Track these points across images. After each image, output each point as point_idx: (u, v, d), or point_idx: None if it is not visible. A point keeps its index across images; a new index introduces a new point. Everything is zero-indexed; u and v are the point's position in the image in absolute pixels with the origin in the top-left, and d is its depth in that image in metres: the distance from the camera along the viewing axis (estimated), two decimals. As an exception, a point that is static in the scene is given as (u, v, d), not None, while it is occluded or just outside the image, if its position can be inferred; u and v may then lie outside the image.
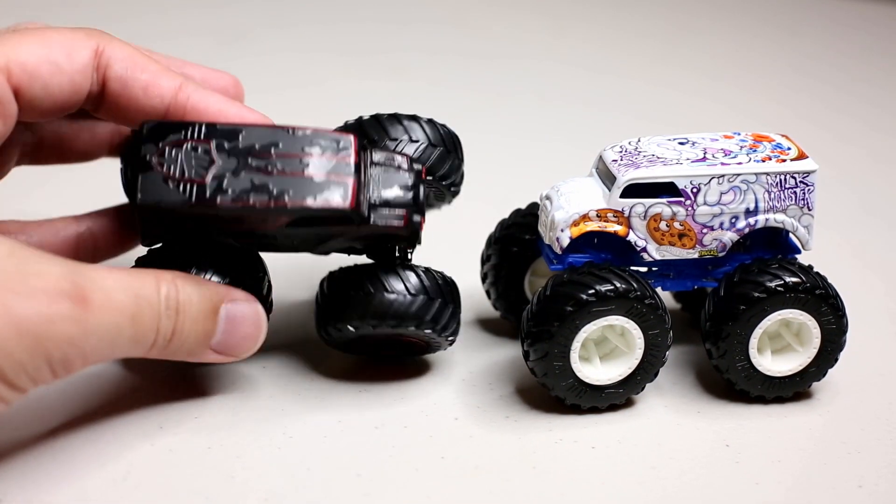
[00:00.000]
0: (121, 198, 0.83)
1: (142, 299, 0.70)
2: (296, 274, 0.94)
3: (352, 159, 0.75)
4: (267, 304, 0.81)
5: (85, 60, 0.75)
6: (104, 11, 1.65)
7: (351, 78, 1.48)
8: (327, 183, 0.74)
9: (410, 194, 0.78)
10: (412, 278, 0.80)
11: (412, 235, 0.79)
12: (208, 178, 0.74)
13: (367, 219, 0.76)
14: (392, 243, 0.81)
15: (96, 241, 0.85)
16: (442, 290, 0.81)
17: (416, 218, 0.78)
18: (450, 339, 0.82)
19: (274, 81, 1.43)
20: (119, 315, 0.69)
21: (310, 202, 0.74)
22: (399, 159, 0.78)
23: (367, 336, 0.81)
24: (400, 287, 0.79)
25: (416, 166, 0.79)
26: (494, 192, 0.93)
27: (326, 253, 0.82)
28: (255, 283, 0.80)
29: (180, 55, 0.89)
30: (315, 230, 0.77)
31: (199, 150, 0.74)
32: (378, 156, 0.78)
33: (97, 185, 0.93)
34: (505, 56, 1.62)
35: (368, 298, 0.79)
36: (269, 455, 0.76)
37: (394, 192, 0.77)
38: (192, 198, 0.73)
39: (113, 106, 0.77)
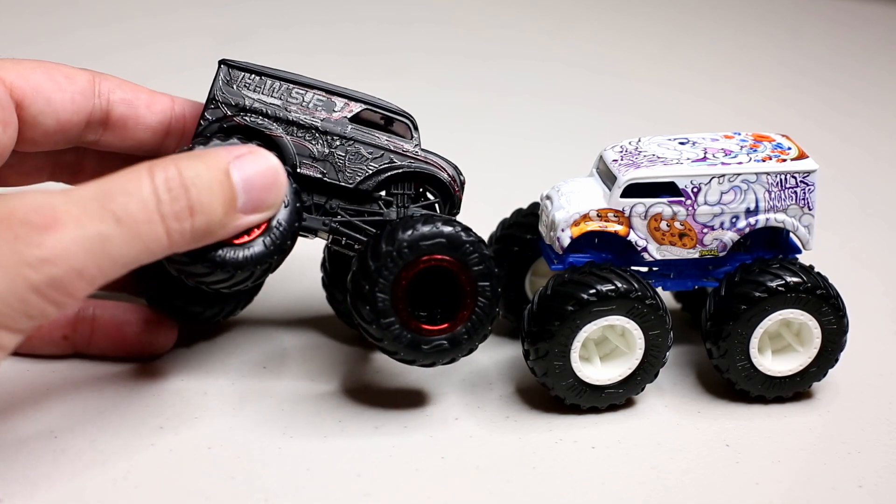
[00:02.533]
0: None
1: (127, 196, 0.66)
2: (296, 275, 0.94)
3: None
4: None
5: (83, 84, 0.79)
6: (105, 12, 1.66)
7: (351, 78, 1.48)
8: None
9: (455, 166, 0.83)
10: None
11: (452, 188, 0.81)
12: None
13: (420, 142, 0.81)
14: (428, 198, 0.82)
15: (94, 326, 0.84)
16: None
17: (461, 177, 0.82)
18: (483, 260, 0.78)
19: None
20: (97, 222, 0.65)
21: (384, 102, 0.81)
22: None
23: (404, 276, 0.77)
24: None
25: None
26: (494, 193, 0.93)
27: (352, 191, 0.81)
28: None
29: (180, 55, 0.89)
30: (371, 135, 0.80)
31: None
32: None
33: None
34: (505, 56, 1.62)
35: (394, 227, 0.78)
36: (269, 455, 0.76)
37: (442, 158, 0.82)
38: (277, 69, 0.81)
39: (120, 126, 0.81)
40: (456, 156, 0.84)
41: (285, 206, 0.76)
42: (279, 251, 0.76)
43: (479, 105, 1.44)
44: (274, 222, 0.76)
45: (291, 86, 0.81)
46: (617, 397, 0.81)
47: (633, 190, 0.81)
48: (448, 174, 0.82)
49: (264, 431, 0.78)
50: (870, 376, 0.87)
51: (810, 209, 0.83)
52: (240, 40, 1.60)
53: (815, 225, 0.83)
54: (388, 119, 0.82)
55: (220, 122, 0.80)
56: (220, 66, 0.80)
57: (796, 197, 0.82)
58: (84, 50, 1.46)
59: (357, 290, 0.76)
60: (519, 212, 0.89)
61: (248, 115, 0.80)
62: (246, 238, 0.75)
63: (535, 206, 0.88)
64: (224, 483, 0.73)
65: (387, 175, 0.80)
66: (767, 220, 0.82)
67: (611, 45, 1.69)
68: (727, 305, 0.81)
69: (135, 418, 0.79)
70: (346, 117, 0.81)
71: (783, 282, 0.80)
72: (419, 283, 0.77)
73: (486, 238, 0.91)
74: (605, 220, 0.81)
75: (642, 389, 0.82)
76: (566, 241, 0.81)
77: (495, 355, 0.88)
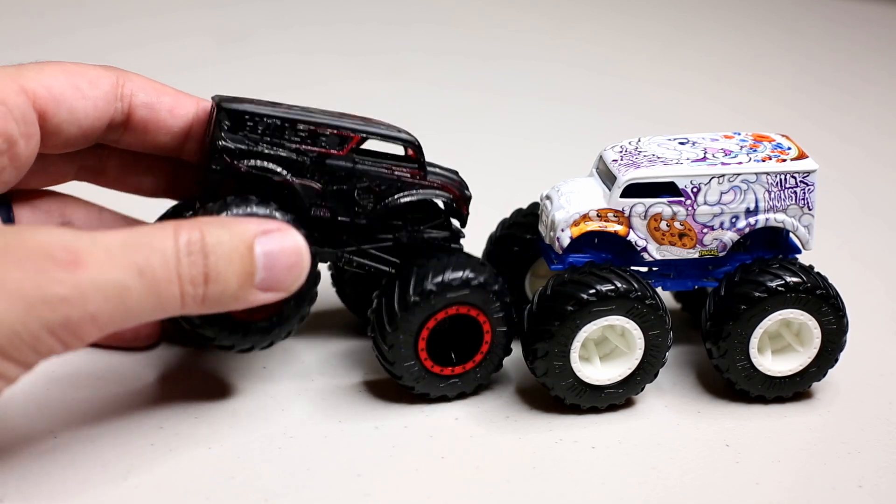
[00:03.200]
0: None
1: (151, 249, 0.66)
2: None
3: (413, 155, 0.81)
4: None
5: (107, 88, 0.79)
6: (105, 13, 1.66)
7: (351, 78, 1.48)
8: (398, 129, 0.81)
9: (460, 179, 0.83)
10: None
11: (460, 206, 0.82)
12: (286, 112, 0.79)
13: (425, 168, 0.80)
14: (437, 220, 0.82)
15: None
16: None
17: (467, 192, 0.82)
18: (506, 312, 0.81)
19: (274, 81, 1.43)
20: (120, 270, 0.65)
21: (382, 130, 0.80)
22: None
23: (434, 320, 0.79)
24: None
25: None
26: (494, 193, 0.92)
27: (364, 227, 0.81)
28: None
29: (181, 55, 0.89)
30: (378, 165, 0.79)
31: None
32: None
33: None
34: (505, 56, 1.62)
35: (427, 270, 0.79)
36: (269, 455, 0.76)
37: (447, 173, 0.83)
38: (274, 104, 0.78)
39: (140, 130, 0.81)
40: (456, 156, 0.84)
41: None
42: (307, 301, 0.78)
43: (479, 105, 1.44)
44: (288, 306, 0.76)
45: (294, 125, 0.78)
46: (617, 397, 0.81)
47: (633, 190, 0.81)
48: (455, 194, 0.82)
49: (264, 431, 0.78)
50: (870, 376, 0.87)
51: (810, 209, 0.83)
52: (240, 40, 1.60)
53: (815, 225, 0.84)
54: (394, 144, 0.81)
55: (225, 172, 0.78)
56: (218, 110, 0.78)
57: (796, 197, 0.82)
58: (84, 50, 1.46)
59: (381, 329, 0.79)
60: (519, 212, 0.89)
61: (254, 160, 0.78)
62: (259, 315, 0.76)
63: (534, 207, 0.88)
64: (224, 483, 0.73)
65: (395, 205, 0.80)
66: (767, 220, 0.82)
67: (611, 45, 1.69)
68: (727, 305, 0.81)
69: (135, 418, 0.79)
70: (351, 151, 0.79)
71: (783, 282, 0.80)
72: (443, 322, 0.80)
73: (486, 238, 0.91)
74: (605, 220, 0.81)
75: (642, 389, 0.82)
76: (566, 241, 0.81)
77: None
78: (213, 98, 0.80)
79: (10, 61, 0.79)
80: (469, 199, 0.83)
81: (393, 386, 0.83)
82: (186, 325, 0.76)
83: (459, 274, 0.78)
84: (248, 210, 0.75)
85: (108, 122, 0.79)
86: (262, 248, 0.71)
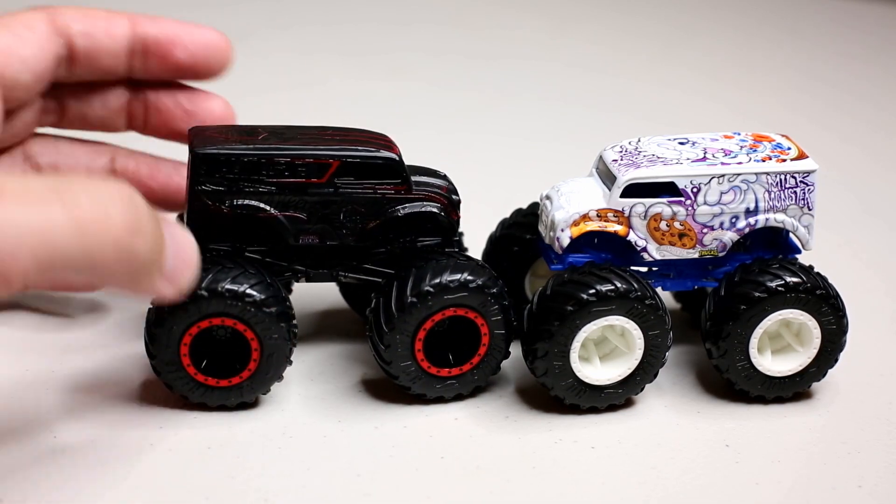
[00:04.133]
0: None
1: (78, 187, 0.61)
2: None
3: (395, 150, 0.81)
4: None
5: (43, 27, 0.80)
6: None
7: (351, 78, 1.48)
8: (373, 145, 0.80)
9: (446, 181, 0.83)
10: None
11: (449, 215, 0.82)
12: (260, 138, 0.79)
13: (409, 182, 0.80)
14: (428, 231, 0.82)
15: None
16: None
17: (455, 198, 0.82)
18: (506, 318, 0.81)
19: (274, 81, 1.44)
20: (42, 204, 0.59)
21: (360, 152, 0.79)
22: (436, 172, 0.84)
23: (429, 320, 0.79)
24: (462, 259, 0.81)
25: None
26: (494, 193, 0.93)
27: (354, 248, 0.82)
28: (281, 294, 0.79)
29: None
30: (360, 187, 0.79)
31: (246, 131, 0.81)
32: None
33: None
34: (505, 56, 1.62)
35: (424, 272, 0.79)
36: (269, 455, 0.76)
37: (432, 176, 0.83)
38: (251, 131, 0.79)
39: (85, 59, 0.82)
40: (456, 156, 0.84)
41: (273, 340, 0.77)
42: (283, 363, 0.79)
43: (479, 105, 1.44)
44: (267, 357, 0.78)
45: (270, 161, 0.78)
46: (616, 397, 0.81)
47: (633, 190, 0.81)
48: (442, 203, 0.82)
49: (264, 431, 0.78)
50: (870, 376, 0.87)
51: (810, 209, 0.83)
52: (240, 40, 1.60)
53: (815, 225, 0.84)
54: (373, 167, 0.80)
55: (205, 214, 0.78)
56: (193, 157, 0.77)
57: (796, 197, 0.82)
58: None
59: (378, 329, 0.79)
60: (519, 212, 0.89)
61: (234, 199, 0.78)
62: (234, 380, 0.78)
63: (534, 206, 0.88)
64: (224, 483, 0.73)
65: (384, 224, 0.81)
66: (767, 220, 0.82)
67: (611, 45, 1.69)
68: (727, 305, 0.81)
69: (135, 418, 0.79)
70: (331, 176, 0.79)
71: (783, 282, 0.80)
72: (441, 324, 0.80)
73: (485, 238, 0.91)
74: (605, 220, 0.81)
75: (642, 390, 0.82)
76: (566, 241, 0.81)
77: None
78: (189, 134, 0.80)
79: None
80: (457, 203, 0.83)
81: (393, 386, 0.83)
82: None
83: (458, 276, 0.78)
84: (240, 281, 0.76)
85: (55, 59, 0.80)
86: (169, 232, 0.67)
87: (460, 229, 0.85)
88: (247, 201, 0.78)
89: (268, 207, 0.78)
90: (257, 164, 0.78)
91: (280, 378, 0.79)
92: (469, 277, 0.78)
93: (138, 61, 0.84)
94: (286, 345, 0.78)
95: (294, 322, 0.79)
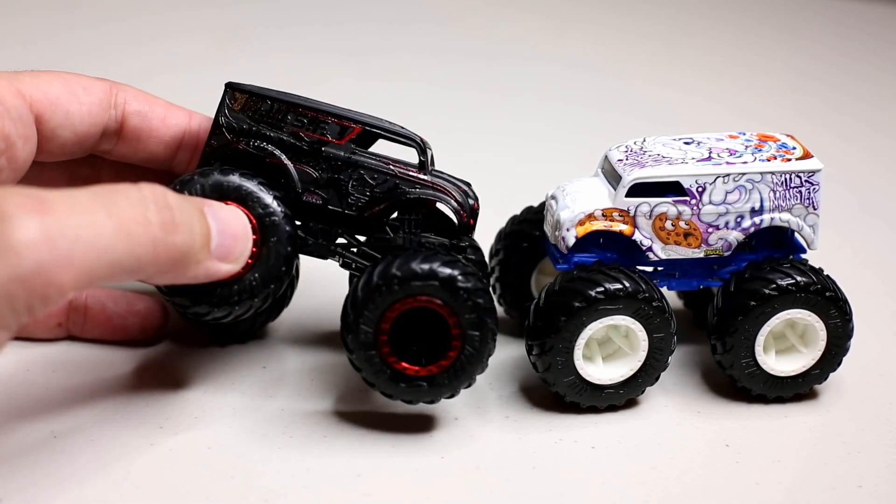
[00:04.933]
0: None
1: (116, 193, 0.64)
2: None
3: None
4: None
5: (101, 94, 0.80)
6: (105, 12, 1.65)
7: (351, 78, 1.48)
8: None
9: (470, 190, 0.83)
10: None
11: (459, 219, 0.81)
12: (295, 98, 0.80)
13: (426, 167, 0.80)
14: (436, 226, 0.81)
15: (87, 315, 0.86)
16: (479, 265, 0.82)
17: (472, 202, 0.82)
18: (486, 314, 0.76)
19: (274, 81, 1.43)
20: (88, 212, 0.62)
21: (386, 124, 0.80)
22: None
23: (396, 315, 0.76)
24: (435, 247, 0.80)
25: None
26: (495, 193, 0.92)
27: (357, 220, 0.81)
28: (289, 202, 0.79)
29: (180, 55, 0.89)
30: (373, 159, 0.80)
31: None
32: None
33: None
34: (506, 56, 1.62)
35: (407, 257, 0.76)
36: (269, 455, 0.76)
37: (456, 182, 0.83)
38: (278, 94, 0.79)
39: (133, 139, 0.82)
40: (456, 156, 0.84)
41: (276, 240, 0.77)
42: (274, 280, 0.77)
43: (479, 105, 1.44)
44: (269, 243, 0.77)
45: (296, 109, 0.79)
46: (616, 398, 0.81)
47: (638, 189, 0.81)
48: (457, 201, 0.81)
49: (264, 431, 0.78)
50: (870, 376, 0.87)
51: (815, 209, 0.83)
52: (240, 40, 1.60)
53: (820, 224, 0.84)
54: (396, 143, 0.81)
55: (224, 149, 0.80)
56: (225, 90, 0.80)
57: (801, 196, 0.82)
58: (84, 49, 1.47)
59: (345, 316, 0.76)
60: (530, 209, 0.89)
61: (252, 140, 0.79)
62: (242, 271, 0.76)
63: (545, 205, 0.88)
64: (224, 483, 0.73)
65: (391, 202, 0.80)
66: (772, 219, 0.82)
67: (611, 45, 1.69)
68: (736, 301, 0.80)
69: (135, 418, 0.79)
70: (351, 141, 0.80)
71: (794, 281, 0.80)
72: (413, 318, 0.76)
73: (491, 236, 0.91)
74: (610, 220, 0.81)
75: (642, 392, 0.82)
76: (571, 241, 0.81)
77: (496, 355, 0.88)
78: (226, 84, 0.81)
79: (9, 61, 0.80)
80: (473, 210, 0.82)
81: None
82: (181, 310, 0.78)
83: (427, 265, 0.74)
84: (233, 177, 0.77)
85: (102, 129, 0.80)
86: (212, 216, 0.72)
87: (475, 241, 0.84)
88: (263, 144, 0.79)
89: (281, 154, 0.79)
90: (282, 111, 0.79)
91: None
92: (440, 268, 0.74)
93: (184, 156, 0.83)
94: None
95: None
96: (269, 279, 0.77)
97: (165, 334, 0.88)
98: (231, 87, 0.80)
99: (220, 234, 0.72)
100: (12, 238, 0.59)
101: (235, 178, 0.77)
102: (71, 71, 0.81)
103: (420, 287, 0.74)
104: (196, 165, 0.82)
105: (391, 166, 0.80)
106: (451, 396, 0.78)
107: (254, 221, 0.77)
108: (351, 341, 0.76)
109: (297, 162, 0.79)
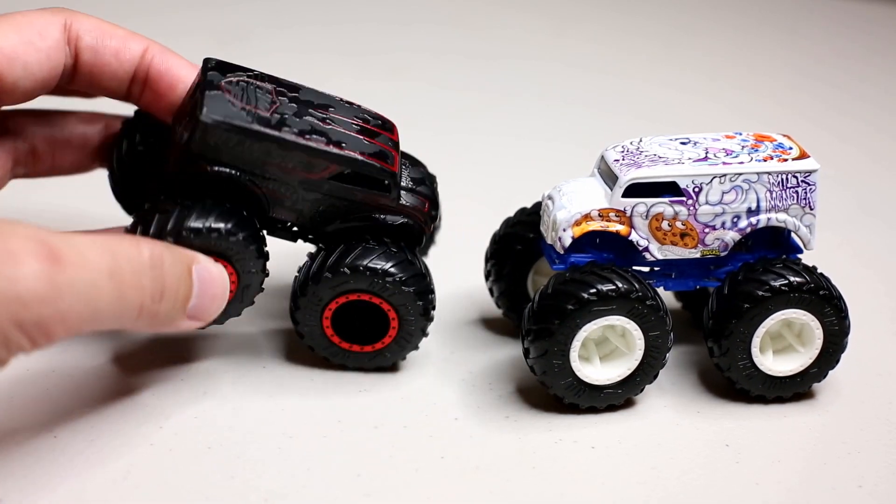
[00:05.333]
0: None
1: (121, 256, 0.67)
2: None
3: (395, 137, 0.82)
4: (262, 249, 0.81)
5: (57, 36, 0.79)
6: (105, 11, 1.65)
7: (351, 78, 1.48)
8: (376, 146, 0.80)
9: (431, 190, 0.84)
10: (397, 243, 0.82)
11: (422, 230, 0.83)
12: (271, 113, 0.78)
13: (398, 195, 0.81)
14: (401, 236, 0.83)
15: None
16: (423, 265, 0.83)
17: (434, 212, 0.83)
18: (425, 311, 0.82)
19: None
20: (95, 271, 0.65)
21: (359, 155, 0.79)
22: (422, 163, 0.85)
23: (339, 305, 0.82)
24: (382, 246, 0.81)
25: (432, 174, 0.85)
26: (494, 193, 0.93)
27: (325, 233, 0.83)
28: (254, 228, 0.80)
29: (180, 55, 0.89)
30: (350, 192, 0.80)
31: (263, 89, 0.79)
32: (406, 155, 0.85)
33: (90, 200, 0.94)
34: (505, 56, 1.62)
35: (351, 252, 0.81)
36: (269, 455, 0.76)
37: (419, 184, 0.84)
38: (254, 122, 0.76)
39: (87, 75, 0.81)
40: (456, 156, 0.84)
41: (248, 287, 0.80)
42: (246, 305, 0.81)
43: (479, 105, 1.44)
44: (243, 286, 0.80)
45: (271, 146, 0.77)
46: (615, 398, 0.81)
47: (635, 190, 0.81)
48: (420, 218, 0.83)
49: (264, 431, 0.78)
50: (870, 376, 0.87)
51: (812, 209, 0.83)
52: (239, 40, 1.60)
53: (817, 225, 0.84)
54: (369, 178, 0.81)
55: (195, 174, 0.78)
56: (199, 123, 0.76)
57: (797, 196, 0.82)
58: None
59: (292, 311, 0.83)
60: (523, 210, 0.89)
61: (225, 167, 0.78)
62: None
63: (538, 206, 0.88)
64: (224, 483, 0.73)
65: (357, 226, 0.82)
66: (769, 219, 0.82)
67: (611, 45, 1.69)
68: (730, 303, 0.81)
69: (135, 418, 0.79)
70: (324, 177, 0.80)
71: (787, 281, 0.80)
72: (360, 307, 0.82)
73: (484, 237, 0.91)
74: (607, 220, 0.81)
75: (641, 390, 0.82)
76: (568, 241, 0.81)
77: (495, 355, 0.88)
78: (203, 69, 0.80)
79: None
80: (435, 217, 0.84)
81: (393, 386, 0.84)
82: None
83: (340, 273, 0.80)
84: (207, 223, 0.77)
85: (60, 70, 0.80)
86: (198, 275, 0.74)
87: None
88: (235, 171, 0.78)
89: (254, 181, 0.79)
90: (255, 147, 0.78)
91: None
92: (349, 267, 0.80)
93: (136, 89, 0.83)
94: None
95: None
96: (241, 308, 0.81)
97: (166, 334, 0.88)
98: (205, 123, 0.76)
99: (199, 296, 0.74)
100: (19, 286, 0.62)
101: (211, 224, 0.77)
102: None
103: (343, 288, 0.81)
104: (147, 100, 0.82)
105: (362, 195, 0.81)
106: (398, 360, 0.85)
107: (232, 272, 0.79)
108: (301, 331, 0.83)
109: (269, 187, 0.79)
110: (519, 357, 0.84)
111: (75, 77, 0.81)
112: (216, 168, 0.78)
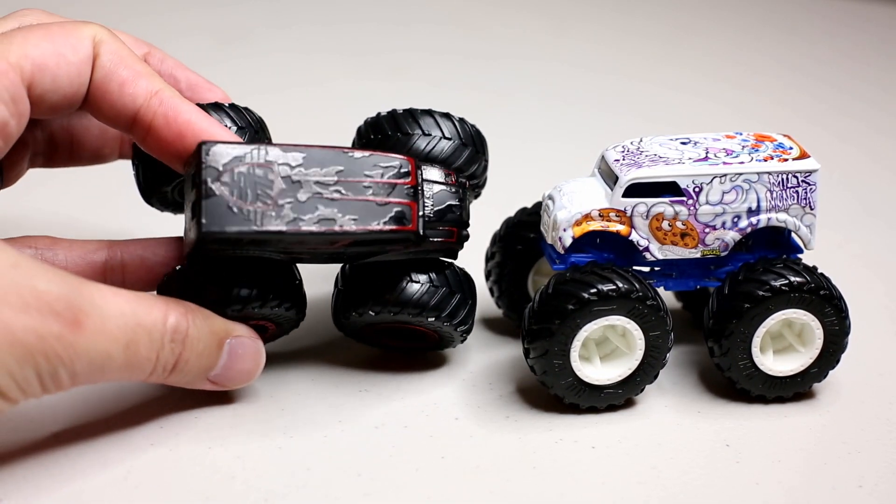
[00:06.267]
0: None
1: (141, 328, 0.71)
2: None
3: (411, 182, 0.78)
4: (302, 306, 0.82)
5: (87, 51, 0.76)
6: (104, 12, 1.65)
7: (351, 78, 1.48)
8: (390, 207, 0.77)
9: (460, 212, 0.81)
10: (436, 270, 0.81)
11: (455, 253, 0.83)
12: (273, 204, 0.74)
13: (424, 237, 0.79)
14: (435, 255, 0.82)
15: (125, 270, 0.84)
16: (462, 285, 0.82)
17: (465, 233, 0.82)
18: (463, 334, 0.83)
19: (274, 81, 1.44)
20: (111, 342, 0.69)
21: (374, 226, 0.76)
22: (446, 175, 0.81)
23: (383, 323, 0.82)
24: (424, 278, 0.81)
25: (461, 179, 0.82)
26: (493, 193, 0.92)
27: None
28: (293, 289, 0.80)
29: (180, 55, 0.89)
30: (372, 249, 0.78)
31: (262, 173, 0.74)
32: (429, 173, 0.80)
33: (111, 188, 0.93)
34: (506, 56, 1.62)
35: (392, 285, 0.80)
36: (269, 455, 0.76)
37: (445, 211, 0.80)
38: (258, 223, 0.73)
39: (93, 99, 0.77)
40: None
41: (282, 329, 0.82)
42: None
43: (479, 105, 1.43)
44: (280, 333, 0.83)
45: (282, 237, 0.74)
46: (616, 398, 0.81)
47: (635, 189, 0.81)
48: (450, 247, 0.81)
49: (264, 431, 0.78)
50: (870, 376, 0.87)
51: (812, 209, 0.83)
52: (240, 40, 1.60)
53: (817, 224, 0.84)
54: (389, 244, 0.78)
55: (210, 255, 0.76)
56: (200, 236, 0.73)
57: (798, 196, 0.82)
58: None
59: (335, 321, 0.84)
60: (524, 210, 0.89)
61: (242, 251, 0.76)
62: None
63: (539, 206, 0.88)
64: (224, 483, 0.73)
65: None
66: (769, 219, 0.82)
67: (611, 45, 1.69)
68: (731, 303, 0.81)
69: (135, 418, 0.79)
70: (345, 245, 0.77)
71: (787, 281, 0.80)
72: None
73: (489, 237, 0.91)
74: (607, 220, 0.81)
75: (642, 390, 0.82)
76: (568, 241, 0.81)
77: (495, 355, 0.88)
78: (197, 153, 0.74)
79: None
80: (466, 237, 0.82)
81: (394, 386, 0.84)
82: None
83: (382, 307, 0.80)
84: (248, 293, 0.78)
85: (86, 89, 0.77)
86: (230, 349, 0.77)
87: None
88: (253, 253, 0.76)
89: (275, 257, 0.78)
90: (265, 242, 0.75)
91: None
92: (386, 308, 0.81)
93: (140, 130, 0.78)
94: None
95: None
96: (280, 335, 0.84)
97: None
98: (204, 237, 0.73)
99: (226, 367, 0.77)
100: (46, 345, 0.67)
101: (252, 293, 0.77)
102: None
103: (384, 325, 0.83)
104: (149, 147, 0.77)
105: (389, 248, 0.78)
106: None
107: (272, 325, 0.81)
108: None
109: (289, 256, 0.78)
110: (519, 357, 0.84)
111: (86, 99, 0.77)
112: (235, 252, 0.76)
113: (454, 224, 0.81)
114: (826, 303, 0.80)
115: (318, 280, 0.90)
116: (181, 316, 0.73)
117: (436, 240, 0.80)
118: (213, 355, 0.76)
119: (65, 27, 0.76)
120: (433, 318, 0.81)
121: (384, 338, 0.85)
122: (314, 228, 0.74)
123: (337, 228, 0.75)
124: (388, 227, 0.76)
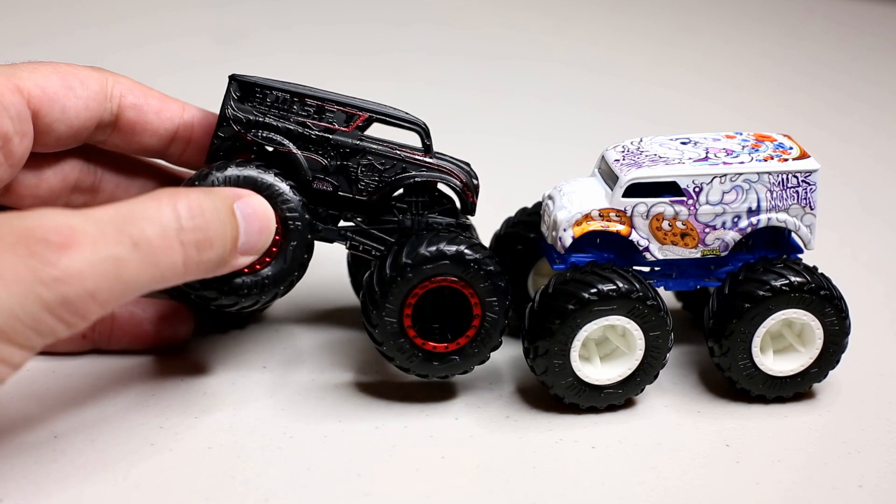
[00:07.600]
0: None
1: (146, 221, 0.67)
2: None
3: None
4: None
5: (97, 88, 0.80)
6: (104, 11, 1.65)
7: (351, 78, 1.48)
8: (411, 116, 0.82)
9: (469, 168, 0.84)
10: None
11: (463, 198, 0.82)
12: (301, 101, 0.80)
13: (431, 150, 0.81)
14: (441, 204, 0.83)
15: (114, 324, 0.85)
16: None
17: (475, 181, 0.83)
18: (504, 328, 0.80)
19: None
20: (114, 245, 0.65)
21: (391, 110, 0.81)
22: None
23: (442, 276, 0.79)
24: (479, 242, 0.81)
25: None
26: (494, 193, 0.92)
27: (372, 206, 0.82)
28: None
29: (180, 55, 0.89)
30: (380, 145, 0.80)
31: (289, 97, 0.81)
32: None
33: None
34: (505, 56, 1.62)
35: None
36: (269, 455, 0.76)
37: (456, 161, 0.84)
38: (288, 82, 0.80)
39: (128, 131, 0.82)
40: (456, 156, 0.84)
41: (296, 244, 0.79)
42: (285, 281, 0.79)
43: (479, 105, 1.44)
44: (289, 245, 0.78)
45: (302, 99, 0.80)
46: (616, 398, 0.81)
47: (635, 189, 0.81)
48: (461, 181, 0.82)
49: (264, 431, 0.78)
50: (870, 376, 0.87)
51: (812, 209, 0.83)
52: (240, 40, 1.60)
53: (817, 224, 0.84)
54: (401, 128, 0.82)
55: (232, 141, 0.80)
56: (230, 82, 0.80)
57: (798, 196, 0.82)
58: (84, 49, 1.46)
59: (367, 313, 0.79)
60: (524, 210, 0.89)
61: (260, 130, 0.80)
62: (259, 267, 0.78)
63: (539, 206, 0.88)
64: (224, 483, 0.73)
65: (399, 185, 0.81)
66: (769, 219, 0.82)
67: (611, 45, 1.69)
68: (731, 303, 0.81)
69: (135, 418, 0.79)
70: (357, 129, 0.81)
71: (787, 281, 0.80)
72: (430, 298, 0.79)
73: (489, 237, 0.91)
74: (607, 220, 0.81)
75: (642, 390, 0.82)
76: (568, 241, 0.81)
77: (495, 355, 0.88)
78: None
79: (5, 61, 0.80)
80: (476, 188, 0.83)
81: (394, 386, 0.84)
82: (187, 290, 0.78)
83: (434, 246, 0.78)
84: (248, 172, 0.77)
85: (97, 122, 0.81)
86: (241, 212, 0.74)
87: (471, 220, 0.86)
88: (271, 134, 0.80)
89: (289, 144, 0.80)
90: (288, 101, 0.80)
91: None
92: (447, 247, 0.78)
93: (178, 148, 0.84)
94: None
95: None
96: (281, 279, 0.79)
97: (169, 339, 0.88)
98: (235, 79, 0.80)
99: (247, 232, 0.74)
100: (40, 273, 0.63)
101: (253, 172, 0.78)
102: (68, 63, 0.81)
103: (432, 269, 0.78)
104: (189, 156, 0.84)
105: (397, 151, 0.81)
106: (482, 363, 0.81)
107: (277, 218, 0.78)
108: (378, 335, 0.78)
109: (306, 150, 0.80)
110: (519, 357, 0.84)
111: (114, 133, 0.82)
112: (256, 133, 0.79)
113: (460, 166, 0.83)
114: (826, 303, 0.80)
115: (318, 279, 0.90)
116: (188, 196, 0.70)
117: (444, 165, 0.82)
118: (233, 222, 0.73)
119: (73, 66, 0.80)
120: (503, 283, 0.79)
121: (424, 337, 0.80)
122: (335, 97, 0.80)
123: (353, 101, 0.80)
124: (402, 113, 0.81)
